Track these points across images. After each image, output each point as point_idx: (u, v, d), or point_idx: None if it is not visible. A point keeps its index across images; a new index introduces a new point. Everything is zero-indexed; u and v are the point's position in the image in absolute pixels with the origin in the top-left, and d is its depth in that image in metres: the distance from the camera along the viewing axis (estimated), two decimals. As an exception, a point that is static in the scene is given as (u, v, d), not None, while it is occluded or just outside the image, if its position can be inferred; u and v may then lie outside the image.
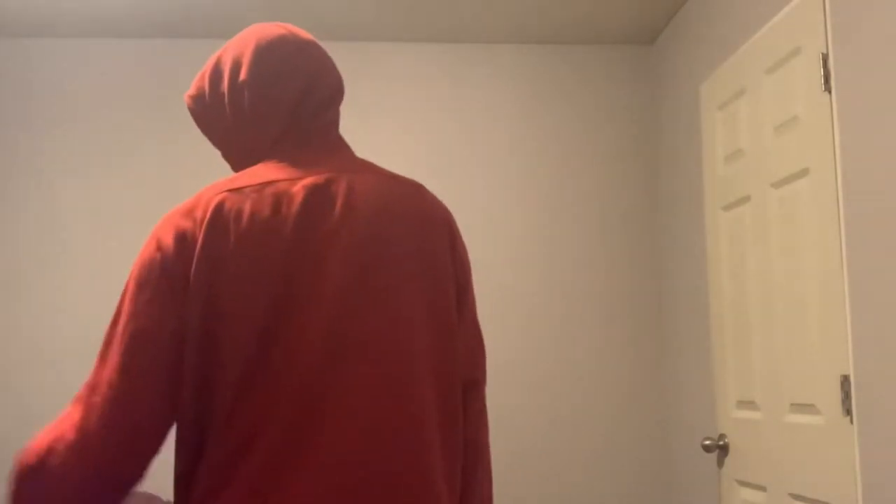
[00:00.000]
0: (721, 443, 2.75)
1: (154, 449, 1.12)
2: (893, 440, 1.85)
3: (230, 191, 1.18)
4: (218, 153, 3.54)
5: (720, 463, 2.79)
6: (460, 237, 1.33)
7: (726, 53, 2.84)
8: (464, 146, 3.60)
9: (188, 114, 3.55)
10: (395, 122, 3.60)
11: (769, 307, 2.45)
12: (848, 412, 2.02)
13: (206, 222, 1.15)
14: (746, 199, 2.61)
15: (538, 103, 3.64)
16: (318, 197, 1.19)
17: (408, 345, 1.18)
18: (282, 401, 1.11)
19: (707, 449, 2.74)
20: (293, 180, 1.20)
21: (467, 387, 1.33)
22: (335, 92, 1.33)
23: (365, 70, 3.62)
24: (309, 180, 1.20)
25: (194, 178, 3.52)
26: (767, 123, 2.47)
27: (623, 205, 3.61)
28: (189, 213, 1.17)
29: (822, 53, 2.14)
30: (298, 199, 1.17)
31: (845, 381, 2.03)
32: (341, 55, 3.62)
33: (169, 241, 1.15)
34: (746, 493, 2.60)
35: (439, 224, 1.28)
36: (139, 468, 1.11)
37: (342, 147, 1.32)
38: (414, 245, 1.23)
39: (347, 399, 1.12)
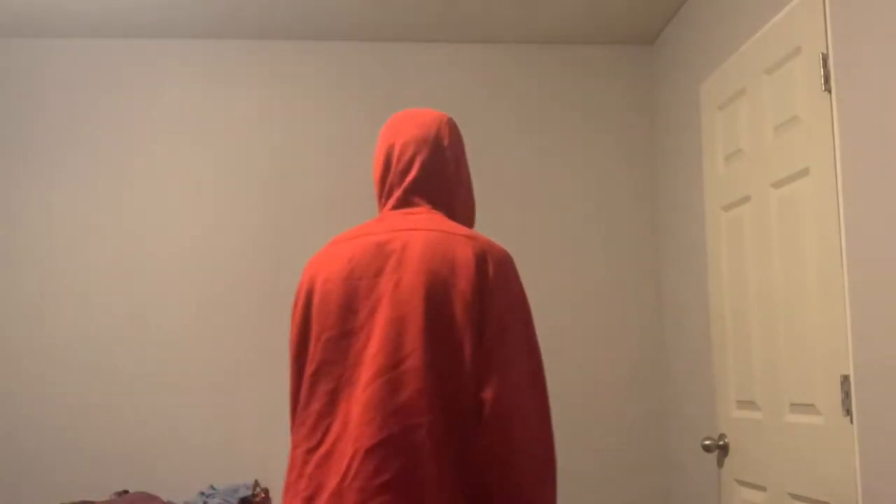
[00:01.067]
0: (721, 443, 2.75)
1: None
2: (893, 440, 1.85)
3: (333, 243, 1.68)
4: (217, 155, 3.54)
5: (720, 463, 2.79)
6: (504, 280, 1.55)
7: (726, 53, 2.84)
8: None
9: (188, 114, 3.55)
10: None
11: (769, 307, 2.45)
12: (848, 412, 2.02)
13: (313, 262, 1.68)
14: (746, 199, 2.61)
15: (538, 103, 3.64)
16: (380, 249, 1.59)
17: (408, 363, 1.49)
18: (324, 404, 1.56)
19: (707, 449, 2.74)
20: (362, 235, 1.64)
21: (490, 454, 1.46)
22: (410, 169, 1.68)
23: (365, 70, 3.61)
24: (376, 238, 1.61)
25: (195, 178, 3.52)
26: (767, 123, 2.47)
27: (623, 205, 3.61)
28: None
29: (822, 53, 2.14)
30: (369, 251, 1.60)
31: (845, 381, 2.03)
32: (341, 55, 3.61)
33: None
34: (746, 493, 2.60)
35: (465, 263, 1.54)
36: None
37: (419, 207, 1.68)
38: (435, 283, 1.53)
39: (357, 391, 1.52)
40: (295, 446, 1.59)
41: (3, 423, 3.35)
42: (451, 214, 1.69)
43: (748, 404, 2.59)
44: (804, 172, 2.25)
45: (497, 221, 3.56)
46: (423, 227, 1.60)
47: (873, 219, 1.93)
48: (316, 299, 1.61)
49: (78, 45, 3.55)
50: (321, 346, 1.58)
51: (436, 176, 1.69)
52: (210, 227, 3.50)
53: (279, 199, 3.53)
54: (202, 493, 3.21)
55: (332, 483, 1.47)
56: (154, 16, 3.35)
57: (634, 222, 3.60)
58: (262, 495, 3.26)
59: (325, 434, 1.54)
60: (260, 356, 3.44)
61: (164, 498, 3.32)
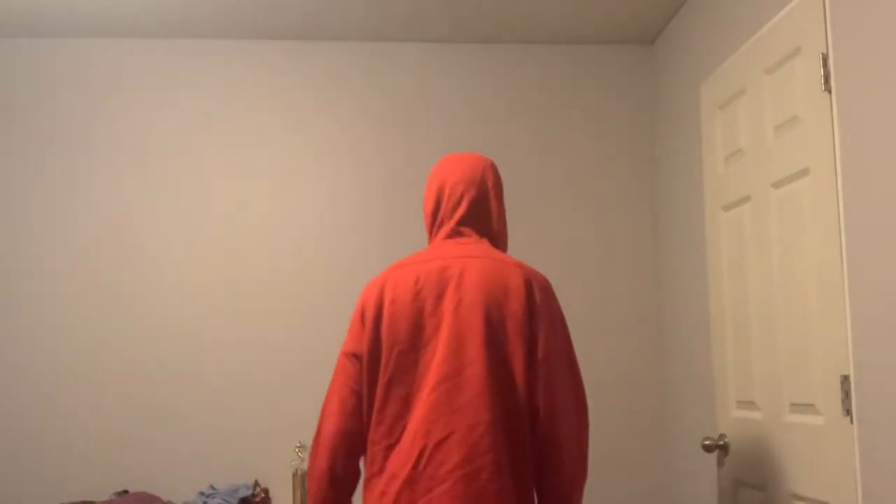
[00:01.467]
0: (721, 443, 2.75)
1: None
2: (893, 440, 1.85)
3: (395, 267, 1.97)
4: (218, 156, 3.54)
5: (720, 463, 2.79)
6: (547, 302, 1.89)
7: (726, 53, 2.84)
8: (463, 146, 3.60)
9: (188, 115, 3.55)
10: (395, 122, 3.60)
11: (769, 307, 2.45)
12: (848, 412, 2.02)
13: (377, 284, 1.96)
14: (746, 199, 2.61)
15: (538, 103, 3.64)
16: (442, 274, 1.90)
17: (472, 372, 1.82)
18: (399, 407, 1.86)
19: (707, 449, 2.74)
20: (423, 261, 1.94)
21: (534, 410, 1.85)
22: (460, 204, 2.00)
23: (365, 70, 3.61)
24: (437, 263, 1.93)
25: (195, 178, 3.52)
26: (767, 123, 2.47)
27: (623, 205, 3.61)
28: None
29: (822, 53, 2.14)
30: (432, 275, 1.91)
31: (845, 381, 2.03)
32: (341, 55, 3.61)
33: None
34: (746, 493, 2.60)
35: (515, 289, 1.88)
36: None
37: (468, 237, 1.99)
38: (491, 305, 1.86)
39: (424, 395, 1.84)
40: (374, 443, 1.88)
41: (3, 424, 3.35)
42: (493, 242, 2.02)
43: (748, 404, 2.59)
44: (804, 172, 2.25)
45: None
46: (477, 254, 1.94)
47: (873, 219, 1.93)
48: (385, 317, 1.91)
49: (79, 45, 3.55)
50: (394, 358, 1.88)
51: (481, 210, 2.02)
52: (209, 227, 3.50)
53: (279, 200, 3.53)
54: (202, 493, 3.21)
55: (405, 472, 1.80)
56: (154, 16, 3.35)
57: (634, 222, 3.60)
58: (262, 495, 3.26)
59: (401, 433, 1.85)
60: (260, 356, 3.44)
61: (164, 498, 3.32)
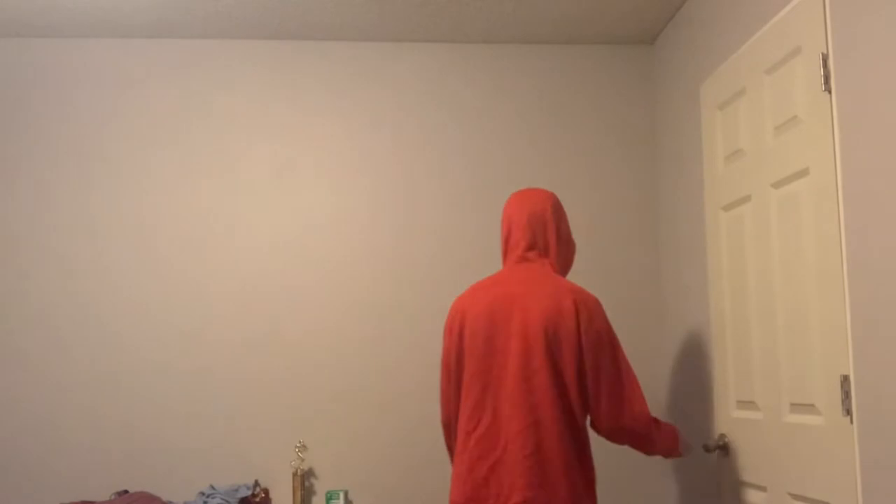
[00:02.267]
0: (721, 443, 2.75)
1: None
2: (893, 440, 1.85)
3: (475, 289, 2.50)
4: (218, 156, 3.54)
5: (720, 463, 2.79)
6: (591, 320, 2.37)
7: (726, 53, 2.84)
8: (463, 145, 3.60)
9: (188, 115, 3.56)
10: (395, 122, 3.60)
11: (769, 307, 2.45)
12: (848, 412, 2.02)
13: (461, 301, 2.51)
14: (746, 199, 2.61)
15: (538, 103, 3.64)
16: (511, 297, 2.41)
17: (536, 379, 2.33)
18: (476, 400, 2.39)
19: (707, 449, 2.74)
20: (496, 285, 2.47)
21: (610, 432, 2.41)
22: (525, 234, 2.50)
23: (365, 70, 3.62)
24: (506, 288, 2.44)
25: (196, 178, 3.52)
26: (767, 123, 2.47)
27: (623, 204, 3.61)
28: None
29: (822, 53, 2.14)
30: (503, 298, 2.42)
31: (845, 381, 2.03)
32: (341, 55, 3.62)
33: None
34: (746, 493, 2.60)
35: (567, 311, 2.36)
36: None
37: (532, 262, 2.49)
38: (548, 324, 2.35)
39: (501, 399, 2.36)
40: (460, 428, 2.42)
41: (3, 424, 3.35)
42: (555, 263, 2.50)
43: (748, 404, 2.59)
44: (804, 172, 2.25)
45: (497, 221, 3.56)
46: (538, 280, 2.42)
47: (873, 219, 1.93)
48: (467, 329, 2.45)
49: (79, 46, 3.55)
50: (474, 362, 2.41)
51: (540, 240, 2.50)
52: (209, 227, 3.50)
53: (279, 200, 3.53)
54: (202, 493, 3.21)
55: (493, 454, 2.31)
56: (154, 16, 3.35)
57: (634, 222, 3.60)
58: (262, 495, 3.26)
59: (478, 422, 2.36)
60: (260, 356, 3.45)
61: (164, 498, 3.32)
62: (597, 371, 2.36)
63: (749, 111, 2.59)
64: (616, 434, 2.41)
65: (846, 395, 2.03)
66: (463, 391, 2.42)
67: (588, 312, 2.36)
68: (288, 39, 3.60)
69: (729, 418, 2.73)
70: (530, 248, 2.50)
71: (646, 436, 2.42)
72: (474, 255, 3.54)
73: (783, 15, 2.36)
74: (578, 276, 3.54)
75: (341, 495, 3.32)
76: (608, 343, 2.38)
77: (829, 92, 2.11)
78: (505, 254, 2.56)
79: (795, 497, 2.30)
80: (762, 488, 2.49)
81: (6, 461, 3.33)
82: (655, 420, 2.48)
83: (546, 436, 2.29)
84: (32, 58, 3.53)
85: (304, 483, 3.35)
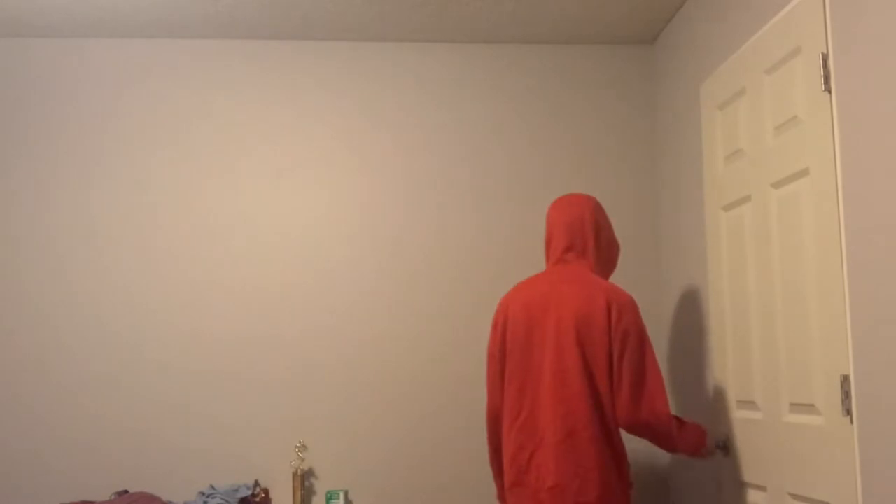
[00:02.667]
0: (721, 443, 2.75)
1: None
2: (893, 440, 1.85)
3: (518, 288, 2.71)
4: (217, 156, 3.54)
5: (720, 463, 2.79)
6: (621, 317, 2.52)
7: (726, 53, 2.84)
8: (463, 145, 3.60)
9: (188, 115, 3.56)
10: (395, 123, 3.60)
11: (769, 307, 2.45)
12: (848, 412, 2.02)
13: (505, 299, 2.72)
14: (747, 198, 2.61)
15: (538, 103, 3.64)
16: (547, 296, 2.61)
17: (569, 372, 2.51)
18: (518, 391, 2.60)
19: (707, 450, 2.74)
20: (536, 284, 2.66)
21: (629, 426, 2.53)
22: (564, 237, 2.69)
23: (365, 70, 3.62)
24: (544, 287, 2.63)
25: (196, 177, 3.52)
26: (767, 123, 2.47)
27: (622, 204, 3.61)
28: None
29: (822, 53, 2.14)
30: (540, 296, 2.62)
31: (845, 381, 2.03)
32: (341, 55, 3.62)
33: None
34: (747, 492, 2.60)
35: (598, 309, 2.53)
36: None
37: (570, 263, 2.67)
38: (580, 321, 2.53)
39: (539, 391, 2.56)
40: (504, 420, 2.63)
41: (3, 424, 3.35)
42: (591, 263, 2.67)
43: (748, 404, 2.59)
44: (804, 172, 2.25)
45: (497, 221, 3.56)
46: (574, 280, 2.60)
47: (873, 219, 1.93)
48: (509, 325, 2.65)
49: (79, 46, 3.55)
50: (515, 356, 2.61)
51: (578, 242, 2.68)
52: (208, 227, 3.50)
53: (279, 200, 3.53)
54: (202, 493, 3.21)
55: (532, 442, 2.52)
56: (154, 16, 3.35)
57: (634, 222, 3.60)
58: (262, 495, 3.26)
59: (519, 412, 2.57)
60: (260, 356, 3.45)
61: (165, 498, 3.32)
62: (620, 365, 2.49)
63: (749, 111, 2.59)
64: (635, 429, 2.51)
65: (846, 395, 2.03)
66: (506, 384, 2.63)
67: (619, 310, 2.52)
68: (288, 39, 3.60)
69: (729, 418, 2.73)
70: (568, 249, 2.68)
71: (665, 434, 2.51)
72: (475, 254, 3.54)
73: (783, 15, 2.36)
74: (578, 276, 3.54)
75: (341, 495, 3.32)
76: (636, 340, 2.51)
77: (829, 92, 2.11)
78: (547, 256, 2.75)
79: (795, 497, 2.30)
80: (762, 488, 2.50)
81: (6, 461, 3.33)
82: (679, 419, 2.58)
83: (577, 425, 2.47)
84: (32, 58, 3.53)
85: (304, 483, 3.35)
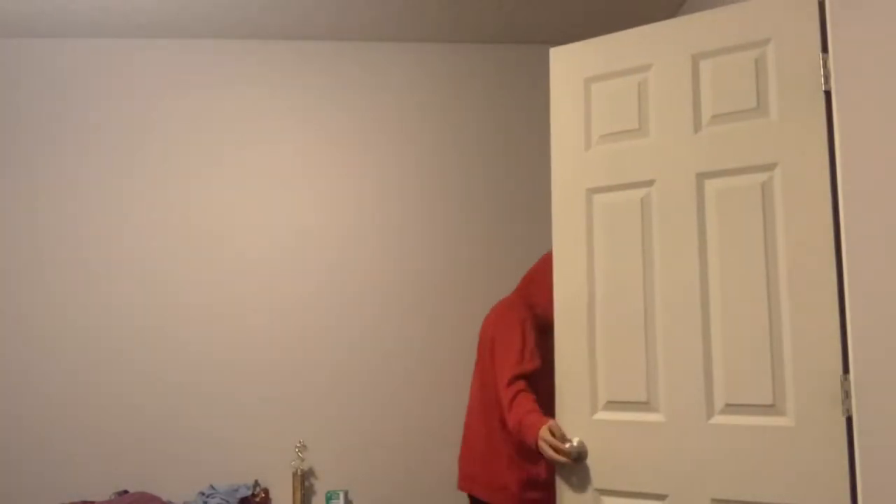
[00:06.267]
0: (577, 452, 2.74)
1: None
2: (893, 440, 1.85)
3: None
4: (216, 156, 3.54)
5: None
6: (494, 328, 2.70)
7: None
8: (463, 145, 3.60)
9: (189, 115, 3.56)
10: (395, 122, 3.60)
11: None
12: (848, 412, 2.02)
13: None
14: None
15: (538, 103, 3.64)
16: (486, 319, 2.83)
17: (485, 380, 2.75)
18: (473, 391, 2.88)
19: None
20: None
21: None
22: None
23: (365, 70, 3.62)
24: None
25: (195, 177, 3.52)
26: (706, 110, 2.46)
27: (623, 205, 3.61)
28: None
29: (823, 53, 2.14)
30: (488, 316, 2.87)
31: (845, 381, 2.03)
32: (341, 55, 3.62)
33: None
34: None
35: (490, 325, 2.74)
36: None
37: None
38: (485, 337, 2.77)
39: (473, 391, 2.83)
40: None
41: (3, 424, 3.35)
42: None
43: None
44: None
45: (497, 222, 3.56)
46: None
47: (873, 219, 1.93)
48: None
49: (79, 46, 3.55)
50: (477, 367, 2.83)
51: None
52: (206, 228, 3.50)
53: (278, 201, 3.53)
54: (202, 493, 3.21)
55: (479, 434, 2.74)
56: (155, 16, 3.35)
57: (634, 222, 3.60)
58: (262, 495, 3.26)
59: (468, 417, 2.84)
60: (260, 357, 3.45)
61: (164, 498, 3.32)
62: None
63: (655, 92, 2.58)
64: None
65: (846, 395, 2.03)
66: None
67: (493, 324, 2.74)
68: (288, 39, 3.60)
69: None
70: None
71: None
72: (474, 255, 3.54)
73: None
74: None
75: (341, 495, 3.32)
76: (501, 345, 2.69)
77: (829, 92, 2.11)
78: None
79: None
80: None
81: (6, 461, 3.33)
82: (521, 395, 2.51)
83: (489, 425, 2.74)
84: (32, 58, 3.53)
85: (304, 483, 3.35)
